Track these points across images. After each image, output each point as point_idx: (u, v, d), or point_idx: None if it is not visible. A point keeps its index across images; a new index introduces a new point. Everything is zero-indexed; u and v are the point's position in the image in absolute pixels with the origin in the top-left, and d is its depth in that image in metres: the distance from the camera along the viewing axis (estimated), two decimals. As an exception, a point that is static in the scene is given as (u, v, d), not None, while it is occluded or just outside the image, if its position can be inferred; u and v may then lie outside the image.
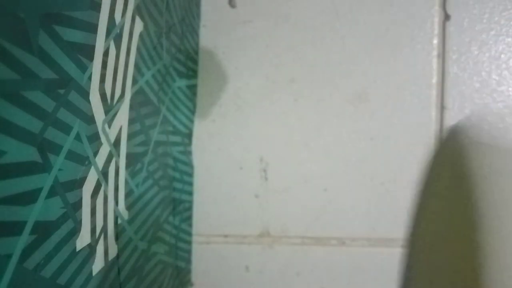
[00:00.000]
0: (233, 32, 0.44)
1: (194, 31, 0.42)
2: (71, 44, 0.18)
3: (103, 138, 0.22)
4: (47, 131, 0.17)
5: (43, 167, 0.17)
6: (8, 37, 0.14)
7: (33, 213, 0.16)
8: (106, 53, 0.22)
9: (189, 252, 0.44)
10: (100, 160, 0.22)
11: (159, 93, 0.32)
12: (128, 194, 0.27)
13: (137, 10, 0.26)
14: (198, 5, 0.43)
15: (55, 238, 0.18)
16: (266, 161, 0.44)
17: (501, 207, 0.14)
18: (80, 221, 0.20)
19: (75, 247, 0.20)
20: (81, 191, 0.20)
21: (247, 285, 0.45)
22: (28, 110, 0.16)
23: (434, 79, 0.43)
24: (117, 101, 0.24)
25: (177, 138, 0.39)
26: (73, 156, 0.19)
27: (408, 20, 0.43)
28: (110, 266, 0.24)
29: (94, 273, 0.22)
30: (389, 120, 0.43)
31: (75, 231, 0.20)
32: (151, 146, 0.31)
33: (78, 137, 0.20)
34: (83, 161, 0.20)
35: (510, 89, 0.43)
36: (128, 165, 0.26)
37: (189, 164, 0.43)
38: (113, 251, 0.24)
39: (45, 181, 0.17)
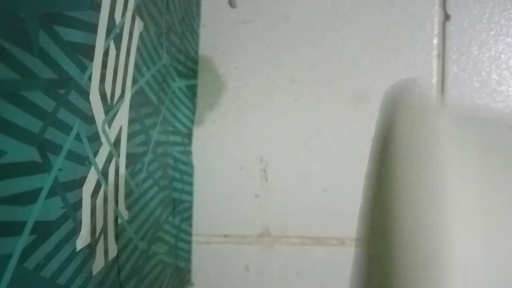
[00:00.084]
0: (233, 32, 0.44)
1: (194, 31, 0.42)
2: (71, 44, 0.18)
3: (103, 138, 0.22)
4: (47, 131, 0.17)
5: (43, 167, 0.17)
6: (8, 37, 0.14)
7: (33, 213, 0.16)
8: (106, 53, 0.22)
9: (189, 252, 0.44)
10: (100, 160, 0.22)
11: (159, 93, 0.32)
12: (128, 194, 0.27)
13: (137, 10, 0.26)
14: (198, 5, 0.43)
15: (55, 238, 0.18)
16: (266, 161, 0.44)
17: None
18: (80, 221, 0.20)
19: (75, 247, 0.20)
20: (81, 191, 0.20)
21: (247, 285, 0.45)
22: (28, 110, 0.16)
23: (434, 79, 0.43)
24: (117, 101, 0.24)
25: (177, 138, 0.39)
26: (73, 156, 0.19)
27: (408, 20, 0.43)
28: (110, 266, 0.24)
29: (94, 273, 0.22)
30: (389, 120, 0.43)
31: (75, 231, 0.20)
32: (151, 146, 0.31)
33: (78, 137, 0.20)
34: (83, 161, 0.20)
35: (510, 89, 0.43)
36: (128, 165, 0.26)
37: (189, 164, 0.43)
38: (113, 251, 0.24)
39: (45, 181, 0.17)
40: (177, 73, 0.37)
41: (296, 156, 0.44)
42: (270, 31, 0.44)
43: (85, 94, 0.20)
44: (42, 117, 0.17)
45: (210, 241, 0.45)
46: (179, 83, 0.38)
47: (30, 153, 0.16)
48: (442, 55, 0.43)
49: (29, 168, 0.16)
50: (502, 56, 0.43)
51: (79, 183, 0.20)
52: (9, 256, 0.15)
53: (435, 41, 0.43)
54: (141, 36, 0.27)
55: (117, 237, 0.25)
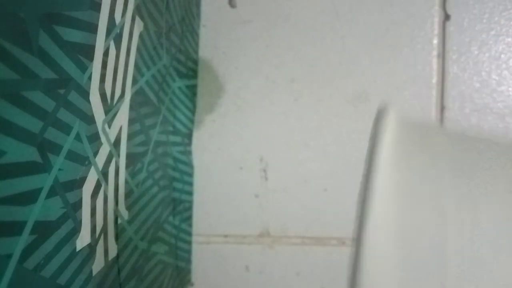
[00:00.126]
0: (233, 32, 0.44)
1: (194, 31, 0.42)
2: (71, 44, 0.18)
3: (103, 138, 0.22)
4: (47, 131, 0.17)
5: (43, 167, 0.17)
6: (8, 37, 0.14)
7: (33, 213, 0.16)
8: (106, 53, 0.22)
9: (189, 252, 0.44)
10: (100, 160, 0.22)
11: (159, 93, 0.32)
12: (128, 194, 0.27)
13: (137, 10, 0.26)
14: (198, 5, 0.43)
15: (55, 238, 0.18)
16: (266, 161, 0.44)
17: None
18: (80, 221, 0.20)
19: (75, 247, 0.20)
20: (81, 191, 0.20)
21: (247, 285, 0.45)
22: (28, 110, 0.16)
23: (434, 79, 0.43)
24: (117, 101, 0.24)
25: (177, 138, 0.39)
26: (73, 156, 0.19)
27: (408, 20, 0.43)
28: (110, 266, 0.24)
29: (94, 273, 0.22)
30: (389, 120, 0.43)
31: (75, 231, 0.20)
32: (151, 146, 0.31)
33: (78, 137, 0.20)
34: (83, 161, 0.20)
35: (510, 89, 0.43)
36: (128, 165, 0.26)
37: (189, 164, 0.43)
38: (113, 251, 0.25)
39: (45, 181, 0.17)
40: (177, 73, 0.37)
41: (296, 156, 0.44)
42: (270, 31, 0.44)
43: (85, 94, 0.20)
44: (42, 117, 0.17)
45: (210, 241, 0.45)
46: (179, 83, 0.38)
47: (30, 153, 0.16)
48: (442, 55, 0.43)
49: (29, 168, 0.16)
50: (502, 56, 0.43)
51: (79, 183, 0.20)
52: (9, 256, 0.15)
53: (435, 41, 0.43)
54: (141, 36, 0.27)
55: (117, 237, 0.25)
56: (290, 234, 0.45)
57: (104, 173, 0.23)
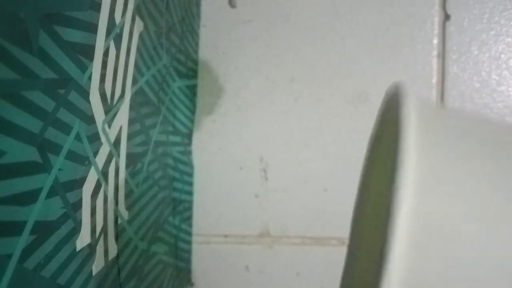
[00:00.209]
0: (233, 32, 0.44)
1: (194, 31, 0.42)
2: (71, 44, 0.18)
3: (103, 138, 0.22)
4: (47, 131, 0.17)
5: (43, 167, 0.17)
6: (8, 37, 0.14)
7: (33, 213, 0.16)
8: (106, 53, 0.22)
9: (189, 252, 0.44)
10: (100, 160, 0.22)
11: (159, 93, 0.32)
12: (128, 194, 0.27)
13: (137, 10, 0.26)
14: (198, 5, 0.43)
15: (55, 238, 0.18)
16: (266, 161, 0.44)
17: None
18: (80, 221, 0.20)
19: (75, 247, 0.20)
20: (81, 191, 0.20)
21: (247, 285, 0.45)
22: (28, 110, 0.16)
23: (434, 79, 0.43)
24: (117, 101, 0.24)
25: (177, 138, 0.39)
26: (73, 156, 0.19)
27: (408, 20, 0.43)
28: (110, 266, 0.24)
29: (94, 273, 0.22)
30: (389, 120, 0.43)
31: (75, 231, 0.20)
32: (151, 146, 0.31)
33: (78, 137, 0.20)
34: (83, 161, 0.20)
35: (510, 89, 0.43)
36: (128, 165, 0.26)
37: (189, 164, 0.43)
38: (113, 251, 0.24)
39: (45, 181, 0.17)
40: (177, 73, 0.37)
41: (296, 156, 0.44)
42: (270, 31, 0.44)
43: (85, 94, 0.20)
44: (42, 117, 0.17)
45: (210, 241, 0.45)
46: (179, 83, 0.38)
47: (30, 153, 0.16)
48: (442, 55, 0.43)
49: (29, 168, 0.16)
50: (502, 56, 0.43)
51: (79, 183, 0.20)
52: (9, 256, 0.15)
53: (435, 41, 0.43)
54: (141, 36, 0.27)
55: (117, 237, 0.25)
56: (290, 234, 0.45)
57: (104, 173, 0.23)
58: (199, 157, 0.44)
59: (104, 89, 0.22)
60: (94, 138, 0.21)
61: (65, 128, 0.18)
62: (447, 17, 0.43)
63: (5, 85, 0.14)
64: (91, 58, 0.20)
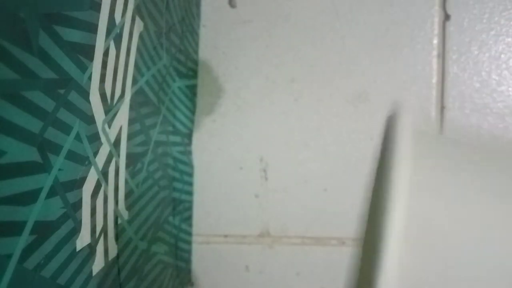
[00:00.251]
0: (233, 32, 0.44)
1: (194, 31, 0.42)
2: (71, 44, 0.18)
3: (103, 138, 0.22)
4: (47, 131, 0.17)
5: (43, 167, 0.17)
6: (8, 37, 0.14)
7: (33, 213, 0.16)
8: (106, 53, 0.22)
9: (189, 252, 0.44)
10: (100, 160, 0.22)
11: (159, 93, 0.32)
12: (128, 194, 0.27)
13: (137, 10, 0.26)
14: (198, 5, 0.43)
15: (55, 238, 0.18)
16: (266, 161, 0.44)
17: None
18: (80, 221, 0.20)
19: (75, 247, 0.20)
20: (81, 191, 0.20)
21: (247, 285, 0.45)
22: (28, 110, 0.16)
23: (434, 79, 0.43)
24: (117, 101, 0.24)
25: (177, 138, 0.39)
26: (73, 156, 0.19)
27: (408, 20, 0.43)
28: (110, 266, 0.24)
29: (94, 273, 0.22)
30: (389, 120, 0.43)
31: (75, 231, 0.20)
32: (151, 146, 0.31)
33: (78, 137, 0.20)
34: (83, 161, 0.20)
35: (510, 89, 0.43)
36: (128, 165, 0.26)
37: (189, 164, 0.43)
38: (113, 251, 0.24)
39: (45, 181, 0.17)
40: (177, 73, 0.37)
41: (296, 156, 0.44)
42: (270, 31, 0.44)
43: (85, 94, 0.20)
44: (42, 117, 0.17)
45: (210, 241, 0.45)
46: (179, 83, 0.38)
47: (30, 153, 0.16)
48: (442, 55, 0.43)
49: (29, 168, 0.16)
50: (502, 56, 0.43)
51: (79, 183, 0.20)
52: (9, 256, 0.15)
53: (435, 41, 0.43)
54: (141, 36, 0.27)
55: (117, 237, 0.25)
56: (290, 234, 0.45)
57: (104, 173, 0.23)
58: (199, 157, 0.44)
59: (104, 89, 0.22)
60: (94, 138, 0.21)
61: (65, 128, 0.18)
62: (447, 17, 0.43)
63: (5, 85, 0.14)
64: (91, 58, 0.20)
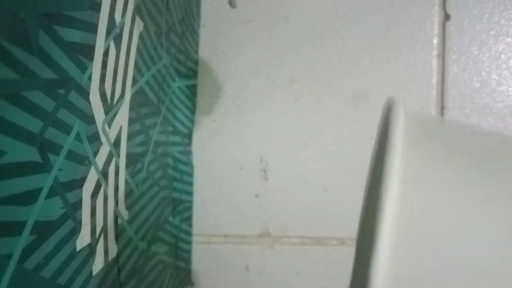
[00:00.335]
0: (233, 32, 0.44)
1: (194, 31, 0.42)
2: (71, 44, 0.18)
3: (103, 138, 0.22)
4: (47, 131, 0.17)
5: (43, 167, 0.17)
6: (8, 37, 0.14)
7: (33, 213, 0.16)
8: (106, 53, 0.22)
9: (189, 252, 0.44)
10: (100, 160, 0.22)
11: (159, 93, 0.32)
12: (128, 194, 0.27)
13: (137, 10, 0.26)
14: (198, 5, 0.43)
15: (55, 238, 0.18)
16: (266, 161, 0.44)
17: None
18: (80, 221, 0.20)
19: (75, 247, 0.20)
20: (81, 191, 0.20)
21: (247, 285, 0.45)
22: (28, 110, 0.16)
23: (434, 79, 0.43)
24: (117, 101, 0.24)
25: (177, 138, 0.39)
26: (73, 156, 0.19)
27: (408, 20, 0.43)
28: (110, 266, 0.24)
29: (94, 273, 0.22)
30: (389, 120, 0.43)
31: (75, 231, 0.20)
32: (151, 146, 0.31)
33: (78, 137, 0.20)
34: (83, 161, 0.20)
35: (510, 89, 0.43)
36: (128, 165, 0.26)
37: (189, 164, 0.43)
38: (113, 251, 0.25)
39: (45, 181, 0.17)
40: (177, 73, 0.37)
41: (296, 156, 0.44)
42: (270, 31, 0.44)
43: (85, 94, 0.20)
44: (42, 117, 0.17)
45: (210, 241, 0.45)
46: (179, 83, 0.38)
47: (30, 153, 0.16)
48: (442, 55, 0.43)
49: (29, 168, 0.16)
50: (502, 56, 0.43)
51: (79, 183, 0.20)
52: (9, 256, 0.15)
53: (435, 41, 0.43)
54: (141, 36, 0.27)
55: (117, 237, 0.25)
56: (290, 234, 0.45)
57: (104, 173, 0.23)
58: (199, 157, 0.44)
59: (104, 89, 0.22)
60: (94, 138, 0.21)
61: (65, 128, 0.18)
62: (447, 17, 0.43)
63: (5, 85, 0.14)
64: (91, 58, 0.20)
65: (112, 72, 0.23)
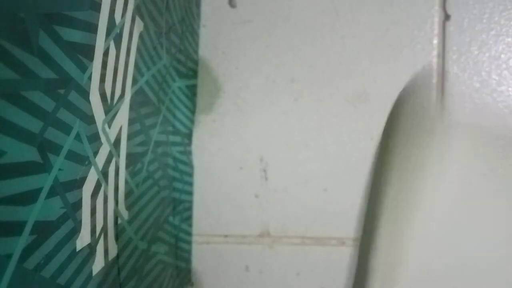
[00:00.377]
0: (233, 32, 0.44)
1: (194, 31, 0.42)
2: (71, 44, 0.18)
3: (103, 138, 0.22)
4: (47, 131, 0.17)
5: (43, 167, 0.17)
6: (8, 37, 0.14)
7: (33, 213, 0.16)
8: (106, 53, 0.22)
9: (189, 252, 0.44)
10: (100, 160, 0.22)
11: (159, 93, 0.32)
12: (128, 194, 0.27)
13: (137, 10, 0.26)
14: (198, 5, 0.43)
15: (55, 238, 0.18)
16: (266, 161, 0.44)
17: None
18: (80, 221, 0.20)
19: (75, 247, 0.20)
20: (81, 191, 0.20)
21: (247, 285, 0.45)
22: (28, 110, 0.16)
23: (434, 79, 0.43)
24: (117, 101, 0.24)
25: (177, 138, 0.39)
26: (73, 156, 0.19)
27: (408, 20, 0.43)
28: (110, 266, 0.24)
29: (94, 273, 0.22)
30: (389, 120, 0.43)
31: (75, 231, 0.20)
32: (151, 146, 0.31)
33: (78, 137, 0.20)
34: (83, 161, 0.20)
35: (510, 89, 0.43)
36: (128, 165, 0.26)
37: (189, 164, 0.43)
38: (113, 251, 0.24)
39: (45, 181, 0.17)
40: (177, 73, 0.37)
41: (296, 156, 0.44)
42: (270, 31, 0.44)
43: (85, 94, 0.20)
44: (42, 117, 0.17)
45: (210, 241, 0.45)
46: (179, 83, 0.38)
47: (30, 153, 0.16)
48: (442, 55, 0.43)
49: (29, 168, 0.16)
50: (502, 56, 0.43)
51: (79, 183, 0.20)
52: (9, 256, 0.15)
53: (435, 41, 0.43)
54: (141, 36, 0.27)
55: (117, 237, 0.25)
56: (290, 234, 0.45)
57: (104, 173, 0.23)
58: (199, 157, 0.44)
59: (104, 89, 0.22)
60: (94, 138, 0.21)
61: (65, 128, 0.18)
62: (447, 17, 0.43)
63: (5, 85, 0.14)
64: (91, 58, 0.20)
65: (112, 72, 0.23)
